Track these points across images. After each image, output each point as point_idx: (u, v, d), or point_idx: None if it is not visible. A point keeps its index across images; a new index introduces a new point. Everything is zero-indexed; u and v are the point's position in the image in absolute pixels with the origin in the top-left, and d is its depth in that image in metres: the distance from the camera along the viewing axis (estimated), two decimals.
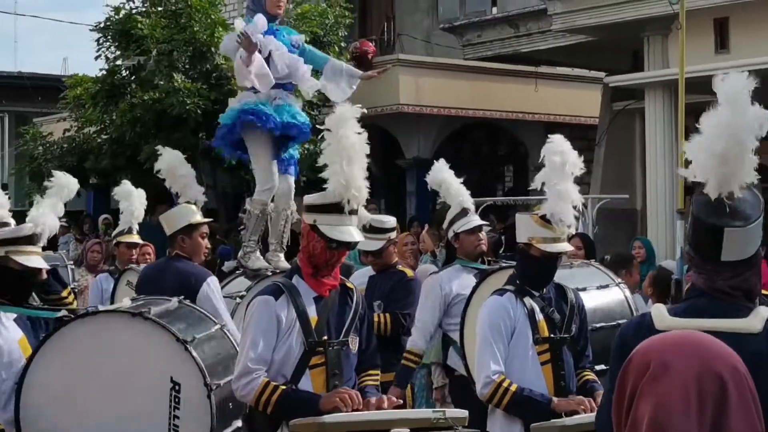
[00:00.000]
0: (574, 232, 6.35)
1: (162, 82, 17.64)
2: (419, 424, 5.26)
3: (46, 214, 6.19)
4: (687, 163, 3.42)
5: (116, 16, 18.89)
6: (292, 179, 8.81)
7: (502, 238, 13.17)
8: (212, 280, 7.40)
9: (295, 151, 8.81)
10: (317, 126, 6.66)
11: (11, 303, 5.90)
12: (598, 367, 6.41)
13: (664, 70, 16.13)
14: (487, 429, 6.13)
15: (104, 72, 19.33)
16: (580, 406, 5.77)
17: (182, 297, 6.34)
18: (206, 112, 17.27)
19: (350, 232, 5.42)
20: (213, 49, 17.73)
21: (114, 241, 10.65)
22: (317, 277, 5.45)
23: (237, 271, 8.85)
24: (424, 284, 8.44)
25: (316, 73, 8.97)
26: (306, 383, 5.32)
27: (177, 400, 5.44)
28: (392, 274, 8.60)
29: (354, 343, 5.50)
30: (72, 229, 20.85)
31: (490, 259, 8.53)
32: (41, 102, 27.19)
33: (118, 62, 19.10)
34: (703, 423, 2.52)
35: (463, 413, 5.37)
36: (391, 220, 8.70)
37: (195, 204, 8.07)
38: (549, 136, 6.36)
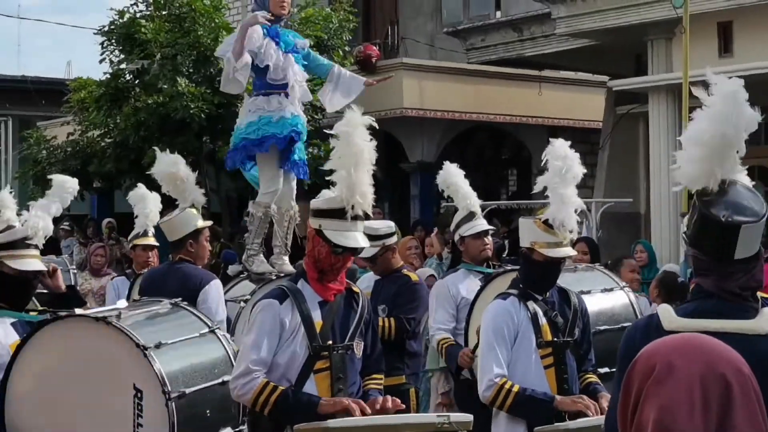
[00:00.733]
0: (576, 237, 6.35)
1: (166, 86, 17.65)
2: (424, 429, 5.27)
3: (40, 216, 6.15)
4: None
5: (120, 20, 18.90)
6: (294, 180, 8.81)
7: (506, 242, 13.18)
8: (216, 283, 7.40)
9: (302, 153, 8.78)
10: (324, 131, 6.68)
11: (9, 308, 5.88)
12: (602, 370, 6.41)
13: (667, 74, 16.12)
14: None
15: (108, 76, 19.33)
16: (588, 410, 5.77)
17: (180, 299, 6.32)
18: (210, 116, 17.29)
19: (355, 237, 5.42)
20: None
21: (130, 245, 10.66)
22: (322, 281, 5.46)
23: (241, 275, 8.86)
24: (433, 289, 8.45)
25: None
26: (310, 387, 5.32)
27: (140, 407, 5.38)
28: (397, 278, 8.58)
29: (359, 348, 5.50)
30: (76, 233, 20.86)
31: (495, 263, 8.53)
32: (45, 106, 27.19)
33: (122, 66, 19.11)
34: (708, 425, 2.52)
35: (468, 417, 5.38)
36: (385, 227, 8.55)
37: (194, 207, 8.05)
38: (551, 140, 6.36)
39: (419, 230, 16.52)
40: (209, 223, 7.93)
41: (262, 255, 8.72)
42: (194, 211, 7.85)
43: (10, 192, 6.54)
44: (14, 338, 5.73)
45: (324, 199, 5.48)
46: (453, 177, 8.47)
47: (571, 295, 6.25)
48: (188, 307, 6.30)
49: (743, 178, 3.45)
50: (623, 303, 7.65)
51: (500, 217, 18.45)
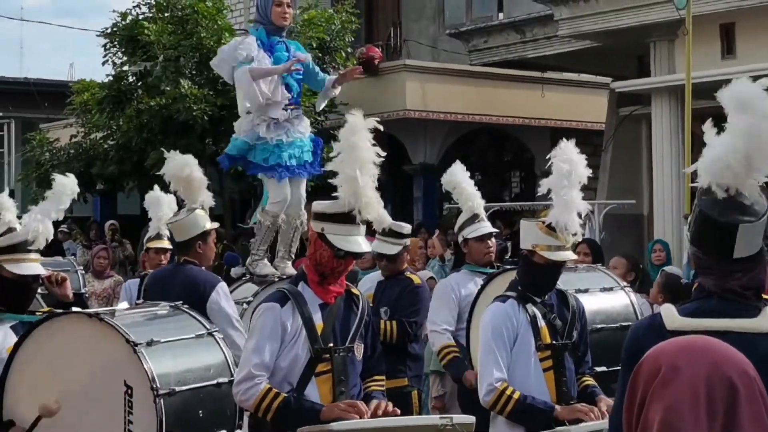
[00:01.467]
0: (580, 239, 6.33)
1: (169, 88, 17.66)
2: (427, 431, 5.27)
3: (39, 219, 6.14)
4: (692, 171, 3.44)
5: (123, 22, 18.93)
6: (303, 187, 8.82)
7: (508, 244, 13.18)
8: (222, 286, 7.40)
9: (308, 154, 8.76)
10: (331, 132, 6.69)
11: (9, 311, 5.88)
12: (598, 369, 6.41)
13: (670, 75, 16.11)
14: None
15: (111, 78, 19.35)
16: (587, 415, 5.76)
17: (181, 302, 6.31)
18: (213, 118, 17.30)
19: (358, 242, 5.41)
20: None
21: (144, 247, 10.65)
22: (323, 284, 5.45)
23: (244, 277, 8.86)
24: (436, 289, 8.45)
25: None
26: (312, 390, 5.32)
27: (130, 404, 5.37)
28: (400, 281, 8.58)
29: (359, 350, 5.50)
30: (79, 235, 20.88)
31: (498, 264, 8.52)
32: (48, 108, 27.21)
33: (125, 68, 19.12)
34: (713, 427, 2.53)
35: (470, 419, 5.38)
36: (408, 226, 8.69)
37: (203, 208, 8.03)
38: (558, 142, 6.32)
39: (422, 232, 16.52)
40: (216, 224, 7.93)
41: (266, 259, 8.74)
42: (203, 212, 7.83)
43: (11, 194, 6.53)
44: (13, 340, 5.74)
45: (327, 202, 5.47)
46: (458, 178, 8.45)
47: (569, 297, 6.23)
48: (188, 310, 6.25)
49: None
50: (623, 303, 7.61)
51: (503, 218, 18.44)
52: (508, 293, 6.12)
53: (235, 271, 9.38)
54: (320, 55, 18.15)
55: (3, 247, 5.88)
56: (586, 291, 7.22)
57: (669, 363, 2.60)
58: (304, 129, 8.68)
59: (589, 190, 18.48)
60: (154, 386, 5.33)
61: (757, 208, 3.37)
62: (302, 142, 8.59)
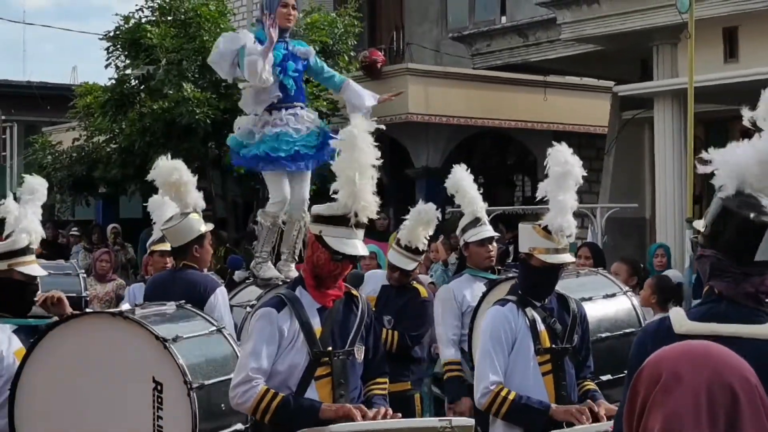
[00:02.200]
0: (572, 240, 6.32)
1: (171, 92, 17.65)
2: None
3: (34, 221, 6.23)
4: (695, 175, 3.46)
5: (126, 26, 18.91)
6: (306, 189, 8.82)
7: (510, 248, 13.16)
8: (221, 291, 7.41)
9: (309, 148, 8.76)
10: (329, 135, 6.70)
11: (11, 316, 5.92)
12: (603, 378, 6.40)
13: (673, 79, 16.10)
14: None
15: (113, 81, 19.34)
16: (582, 416, 5.76)
17: (184, 301, 6.36)
18: (215, 121, 17.28)
19: (355, 245, 5.39)
20: None
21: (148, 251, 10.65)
22: (320, 288, 5.43)
23: (248, 281, 8.87)
24: (438, 294, 8.46)
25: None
26: (311, 394, 5.31)
27: (159, 400, 5.44)
28: (407, 291, 8.58)
29: (360, 353, 5.48)
30: (82, 239, 20.88)
31: (499, 268, 8.52)
32: (50, 111, 27.22)
33: (128, 71, 19.10)
34: None
35: (470, 422, 5.38)
36: (425, 242, 8.68)
37: (195, 211, 8.02)
38: (553, 144, 6.33)
39: None
40: (211, 226, 7.93)
41: (270, 262, 8.74)
42: (196, 215, 7.83)
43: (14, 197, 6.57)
44: (17, 345, 5.76)
45: (326, 205, 5.46)
46: (461, 181, 8.46)
47: (570, 302, 6.23)
48: (193, 309, 6.40)
49: None
50: (626, 308, 7.59)
51: (506, 222, 18.42)
52: (508, 297, 6.13)
53: (238, 275, 9.39)
54: (323, 58, 18.12)
55: (11, 251, 5.95)
56: (589, 299, 7.20)
57: (670, 370, 2.59)
58: (301, 125, 8.67)
59: (591, 194, 18.52)
60: (187, 380, 5.42)
61: None
62: (294, 138, 8.58)
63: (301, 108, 8.86)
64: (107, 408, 5.54)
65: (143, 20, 18.97)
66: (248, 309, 7.99)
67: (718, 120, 16.55)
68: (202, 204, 8.21)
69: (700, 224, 3.57)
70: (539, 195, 6.19)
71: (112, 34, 19.08)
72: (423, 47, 24.37)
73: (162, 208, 9.67)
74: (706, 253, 3.49)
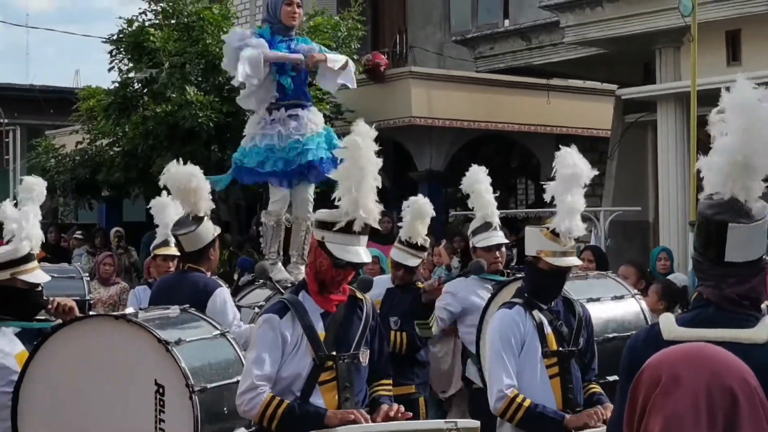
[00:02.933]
0: (582, 246, 6.33)
1: (174, 95, 17.65)
2: None
3: (35, 226, 6.22)
4: (698, 178, 3.47)
5: (129, 29, 18.92)
6: (308, 189, 8.80)
7: (514, 251, 13.16)
8: (220, 291, 7.40)
9: (317, 153, 8.74)
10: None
11: (15, 319, 5.91)
12: (611, 378, 6.39)
13: (676, 82, 16.11)
14: None
15: (116, 84, 19.34)
16: (592, 419, 5.76)
17: (188, 306, 6.37)
18: (218, 125, 17.29)
19: (358, 252, 5.37)
20: None
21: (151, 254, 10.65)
22: (324, 293, 5.42)
23: (256, 282, 8.85)
24: (444, 289, 8.48)
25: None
26: (316, 399, 5.29)
27: (162, 403, 5.45)
28: (412, 290, 8.58)
29: (365, 356, 5.46)
30: (85, 242, 20.86)
31: (507, 270, 8.52)
32: (53, 114, 27.22)
33: (131, 75, 19.12)
34: None
35: (475, 423, 5.37)
36: (428, 239, 8.67)
37: (205, 216, 8.02)
38: (560, 147, 6.32)
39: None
40: (219, 230, 7.94)
41: (280, 263, 8.72)
42: (208, 219, 7.84)
43: (14, 202, 6.56)
44: (20, 348, 5.76)
45: (328, 211, 5.44)
46: (478, 183, 8.48)
47: (575, 304, 6.23)
48: (197, 313, 6.41)
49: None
50: (634, 311, 7.61)
51: (509, 225, 18.43)
52: (515, 300, 6.12)
53: (242, 280, 9.38)
54: None
55: (13, 260, 5.94)
56: (597, 300, 7.21)
57: (670, 372, 2.60)
58: (304, 128, 8.62)
59: (594, 197, 18.51)
60: (189, 383, 5.43)
61: (753, 212, 3.39)
62: (297, 144, 8.54)
63: (303, 108, 8.75)
64: (109, 410, 5.55)
65: (146, 24, 18.98)
66: (256, 310, 7.98)
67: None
68: (212, 205, 8.20)
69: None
70: (547, 197, 6.18)
71: (115, 37, 19.09)
72: (426, 50, 24.37)
73: (165, 210, 9.66)
74: (693, 255, 3.54)
